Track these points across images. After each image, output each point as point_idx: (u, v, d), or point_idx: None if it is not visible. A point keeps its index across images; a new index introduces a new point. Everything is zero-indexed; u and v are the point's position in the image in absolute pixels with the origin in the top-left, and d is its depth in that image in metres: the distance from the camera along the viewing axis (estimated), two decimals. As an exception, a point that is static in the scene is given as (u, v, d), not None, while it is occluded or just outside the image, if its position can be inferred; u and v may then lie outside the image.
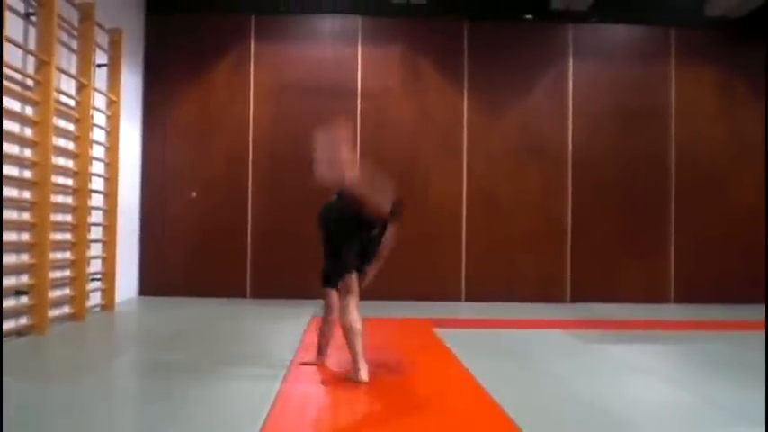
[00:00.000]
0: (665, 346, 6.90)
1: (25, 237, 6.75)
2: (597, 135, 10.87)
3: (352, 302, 4.99)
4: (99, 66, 8.61)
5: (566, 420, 4.06)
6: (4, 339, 6.11)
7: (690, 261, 10.88)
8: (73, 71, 7.86)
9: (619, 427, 3.90)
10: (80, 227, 7.89)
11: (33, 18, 6.80)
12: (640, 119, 10.94)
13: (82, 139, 7.98)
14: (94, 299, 8.55)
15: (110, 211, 8.91)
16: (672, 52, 11.04)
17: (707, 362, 6.03)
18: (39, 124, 6.83)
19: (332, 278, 5.17)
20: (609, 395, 4.69)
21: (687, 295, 10.80)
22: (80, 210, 7.91)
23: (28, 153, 6.78)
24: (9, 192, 6.42)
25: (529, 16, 10.92)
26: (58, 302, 7.51)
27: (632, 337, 7.47)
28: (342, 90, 10.66)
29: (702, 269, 10.83)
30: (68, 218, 7.81)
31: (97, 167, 8.63)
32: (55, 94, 7.08)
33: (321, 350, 5.47)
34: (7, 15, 6.10)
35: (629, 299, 10.64)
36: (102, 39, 8.63)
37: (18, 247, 6.63)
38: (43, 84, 6.85)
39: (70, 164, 7.84)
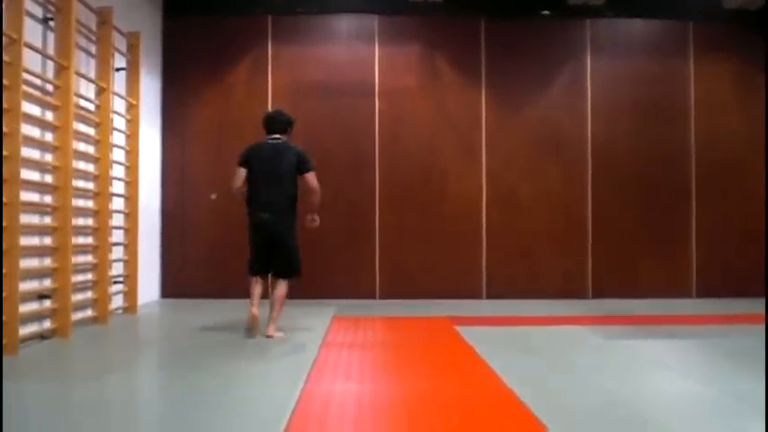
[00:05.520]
0: (688, 341, 6.84)
1: (47, 241, 6.80)
2: (616, 130, 10.80)
3: None
4: (118, 70, 8.65)
5: (590, 417, 4.03)
6: (26, 343, 6.17)
7: (712, 255, 10.78)
8: (92, 75, 7.90)
9: (643, 423, 3.87)
10: (101, 230, 7.94)
11: (51, 23, 6.85)
12: (660, 113, 10.86)
13: (102, 142, 8.02)
14: (117, 302, 8.61)
15: (131, 214, 8.96)
16: (690, 45, 10.95)
17: (730, 356, 5.98)
18: (59, 129, 6.88)
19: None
20: (633, 391, 4.65)
21: (709, 290, 10.70)
22: (101, 213, 7.96)
23: (49, 157, 6.82)
24: (31, 196, 6.47)
25: (546, 12, 10.88)
26: (81, 306, 7.56)
27: (655, 332, 7.42)
28: (359, 89, 10.65)
29: (724, 263, 10.72)
30: (90, 221, 7.86)
31: (118, 171, 8.69)
32: (75, 99, 7.13)
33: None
34: (25, 21, 6.14)
35: (651, 294, 10.55)
36: (120, 42, 8.68)
37: (40, 251, 6.68)
38: (63, 88, 6.89)
39: (91, 168, 7.89)
